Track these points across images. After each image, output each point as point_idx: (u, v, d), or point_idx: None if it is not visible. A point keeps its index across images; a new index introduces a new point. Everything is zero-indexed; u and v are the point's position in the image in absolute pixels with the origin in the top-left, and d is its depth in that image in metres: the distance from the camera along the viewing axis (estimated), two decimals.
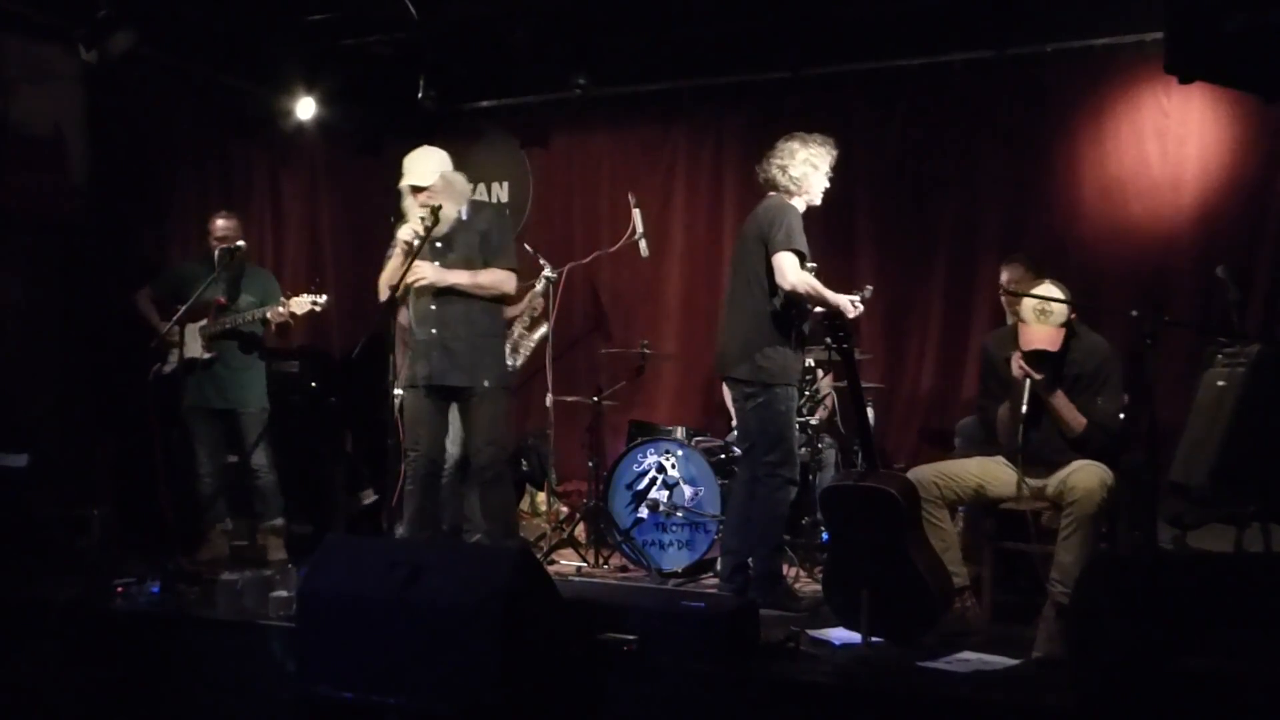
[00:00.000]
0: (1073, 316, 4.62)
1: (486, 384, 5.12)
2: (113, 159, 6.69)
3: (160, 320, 5.88)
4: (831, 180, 5.15)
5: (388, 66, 7.14)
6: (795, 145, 5.07)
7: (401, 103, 7.12)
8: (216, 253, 5.87)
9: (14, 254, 6.21)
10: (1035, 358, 4.55)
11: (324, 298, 5.79)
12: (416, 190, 5.05)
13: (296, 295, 5.84)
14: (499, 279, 5.15)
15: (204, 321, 5.90)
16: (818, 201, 5.13)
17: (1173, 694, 3.01)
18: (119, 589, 4.83)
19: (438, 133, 7.58)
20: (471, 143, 7.39)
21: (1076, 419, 4.59)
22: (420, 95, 6.96)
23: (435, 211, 4.87)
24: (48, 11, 6.17)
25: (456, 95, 7.35)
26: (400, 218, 5.16)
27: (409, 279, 4.93)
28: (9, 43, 6.20)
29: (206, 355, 5.91)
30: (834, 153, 5.12)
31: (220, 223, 6.04)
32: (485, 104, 7.56)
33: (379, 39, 6.87)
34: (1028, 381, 4.55)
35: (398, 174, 5.15)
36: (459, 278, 5.05)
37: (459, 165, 5.25)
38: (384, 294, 5.08)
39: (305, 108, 7.06)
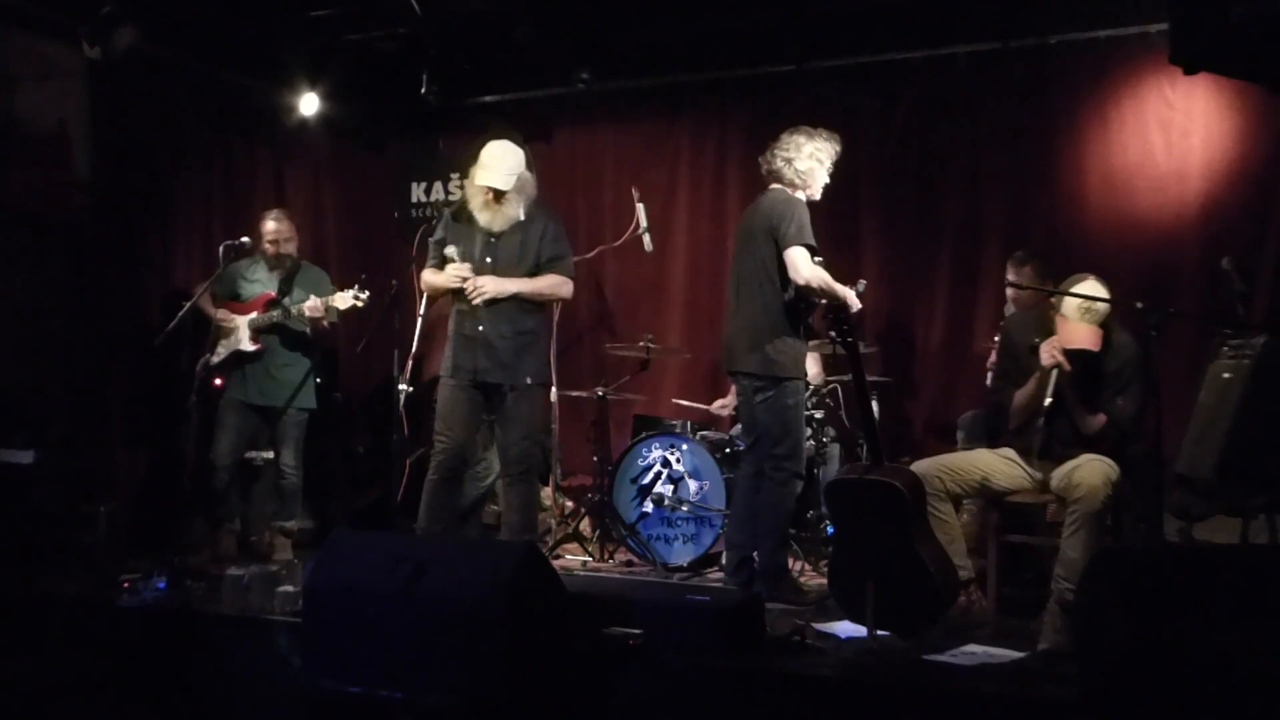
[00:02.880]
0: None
1: (529, 381, 5.15)
2: (117, 156, 6.68)
3: (216, 314, 5.99)
4: (832, 176, 5.14)
5: (391, 62, 7.14)
6: (801, 139, 5.06)
7: (405, 98, 7.13)
8: (222, 247, 5.86)
9: (19, 251, 6.21)
10: (1076, 357, 4.46)
11: (366, 294, 5.79)
12: (494, 193, 5.04)
13: (340, 291, 5.84)
14: (555, 284, 5.20)
15: (253, 314, 5.93)
16: (818, 197, 5.12)
17: (1178, 687, 3.01)
18: (125, 584, 4.84)
19: (441, 128, 7.62)
20: (475, 137, 7.37)
21: (1097, 419, 4.56)
22: (423, 90, 6.95)
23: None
24: (51, 8, 6.17)
25: (460, 90, 7.35)
26: (461, 203, 5.21)
27: (473, 298, 4.98)
28: (12, 39, 6.20)
29: (253, 348, 5.93)
30: (838, 148, 5.11)
31: (270, 225, 6.06)
32: (488, 99, 7.55)
33: (382, 34, 6.86)
34: (1054, 374, 4.47)
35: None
36: (518, 286, 5.07)
37: (461, 161, 5.25)
38: (425, 294, 5.24)
39: (309, 103, 7.06)
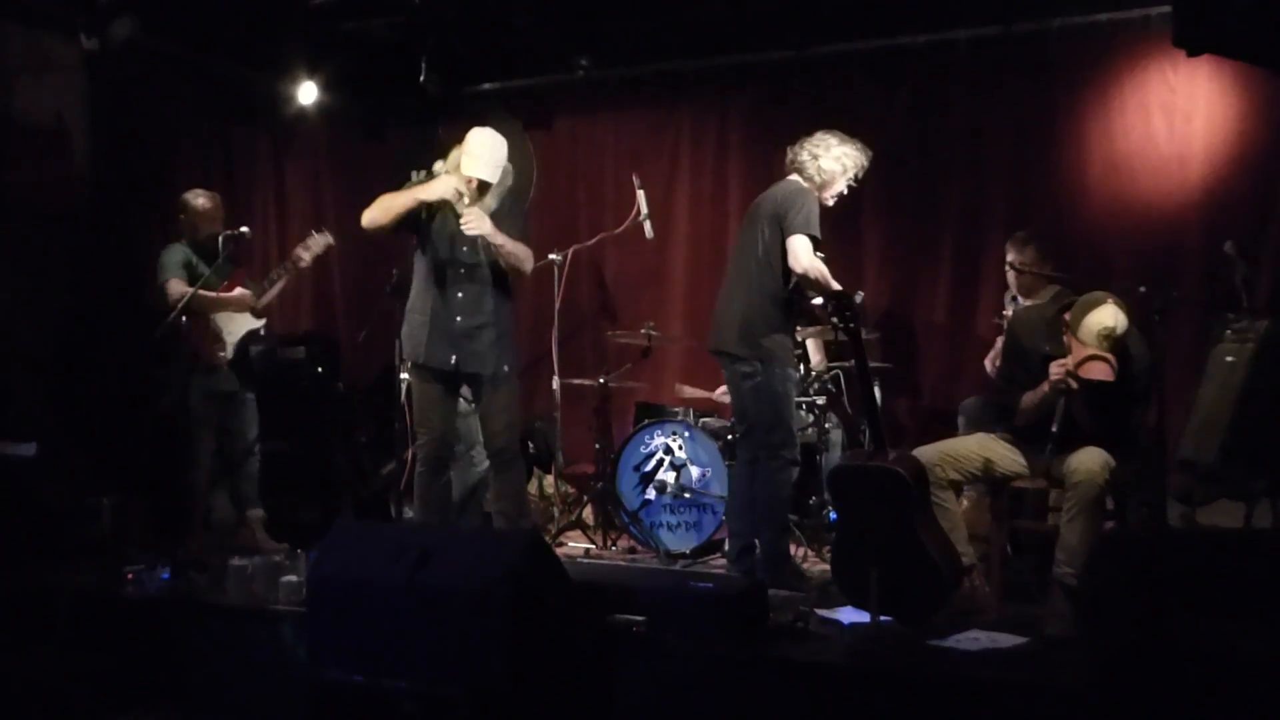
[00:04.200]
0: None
1: (505, 369, 5.14)
2: (115, 148, 6.67)
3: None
4: (852, 189, 5.15)
5: (389, 50, 7.11)
6: (833, 140, 5.08)
7: (404, 87, 7.10)
8: (221, 237, 5.83)
9: (18, 244, 6.20)
10: (1093, 387, 4.33)
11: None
12: (479, 184, 5.02)
13: (302, 241, 5.95)
14: (526, 254, 5.14)
15: (239, 290, 5.92)
16: (830, 203, 5.13)
17: (1182, 671, 3.01)
18: (129, 576, 4.85)
19: (441, 117, 7.60)
20: (474, 125, 7.37)
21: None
22: (422, 79, 6.93)
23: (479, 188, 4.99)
24: (48, 0, 6.16)
25: (459, 78, 7.33)
26: (428, 177, 5.15)
27: (468, 228, 4.88)
28: (9, 32, 6.19)
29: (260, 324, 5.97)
30: (866, 162, 5.13)
31: (205, 202, 5.96)
32: (488, 87, 7.53)
33: (380, 23, 6.84)
34: (1062, 399, 4.36)
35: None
36: (502, 240, 4.99)
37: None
38: (377, 219, 5.08)
39: (307, 93, 7.04)
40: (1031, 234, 5.66)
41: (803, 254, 4.86)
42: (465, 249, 5.05)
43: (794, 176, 5.09)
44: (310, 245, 5.94)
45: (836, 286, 4.84)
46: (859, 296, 4.99)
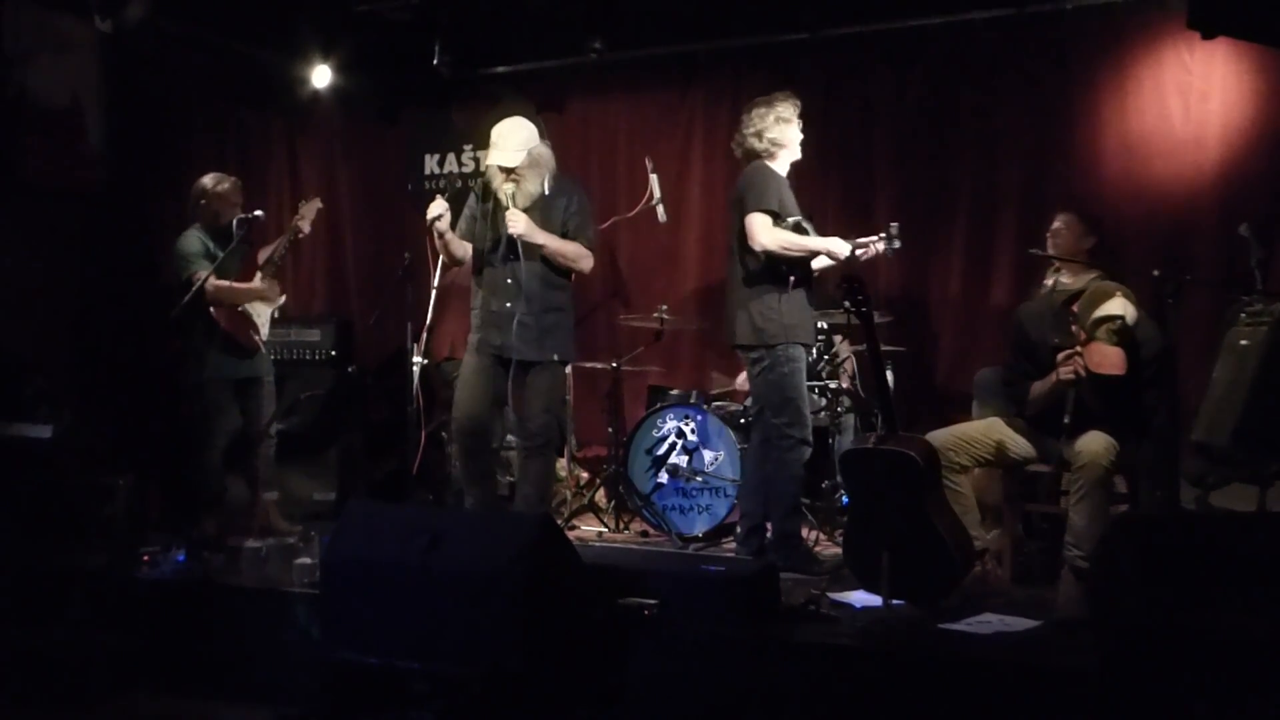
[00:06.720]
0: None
1: (555, 358, 5.15)
2: (130, 129, 6.70)
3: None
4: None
5: (403, 33, 7.11)
6: (763, 109, 5.08)
7: (417, 69, 7.10)
8: (235, 221, 5.83)
9: (34, 224, 6.23)
10: (1103, 380, 4.34)
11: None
12: (505, 171, 5.04)
13: (295, 212, 5.91)
14: (580, 253, 5.15)
15: (257, 279, 5.92)
16: (798, 154, 5.15)
17: (1195, 655, 3.01)
18: (145, 557, 4.88)
19: (454, 99, 7.59)
20: (487, 108, 7.36)
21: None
22: (436, 61, 6.93)
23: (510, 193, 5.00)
24: None
25: (472, 61, 7.31)
26: (485, 184, 5.19)
27: (512, 229, 4.93)
28: (25, 13, 6.21)
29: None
30: (798, 103, 5.13)
31: (226, 187, 5.85)
32: (501, 69, 7.52)
33: (394, 5, 6.83)
34: (1072, 391, 4.37)
35: (470, 138, 5.12)
36: (545, 239, 5.04)
37: (474, 132, 5.23)
38: (452, 257, 5.18)
39: (321, 75, 7.04)
40: (1080, 213, 5.62)
41: (759, 232, 4.87)
42: (508, 239, 5.05)
43: (754, 162, 5.10)
44: (305, 213, 5.89)
45: (816, 243, 4.87)
46: (894, 227, 4.98)
